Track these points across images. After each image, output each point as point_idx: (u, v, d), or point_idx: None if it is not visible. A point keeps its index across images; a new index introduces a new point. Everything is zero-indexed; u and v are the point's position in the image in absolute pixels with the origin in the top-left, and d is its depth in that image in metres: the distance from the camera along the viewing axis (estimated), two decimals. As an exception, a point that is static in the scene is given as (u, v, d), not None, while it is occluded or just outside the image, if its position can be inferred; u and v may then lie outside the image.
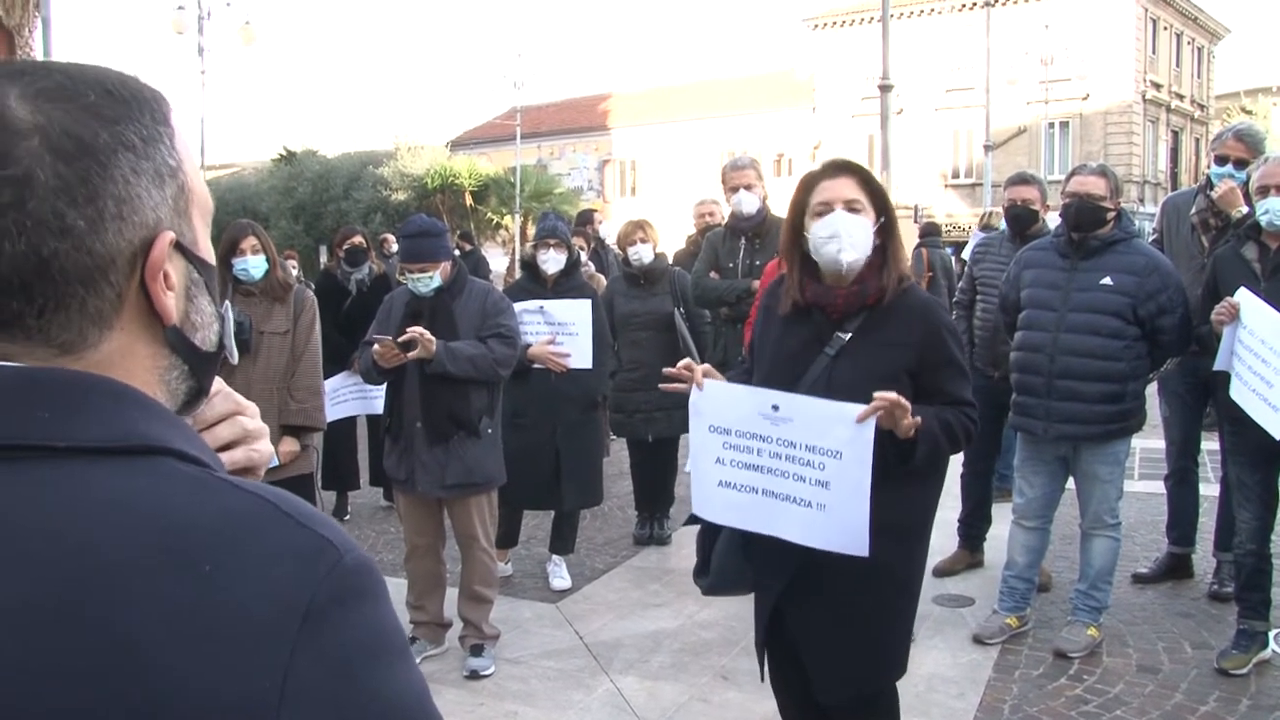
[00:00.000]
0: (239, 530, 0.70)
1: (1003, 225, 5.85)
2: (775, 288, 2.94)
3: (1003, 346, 5.22)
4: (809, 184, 2.81)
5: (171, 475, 0.74)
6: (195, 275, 0.84)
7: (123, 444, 0.73)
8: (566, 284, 5.56)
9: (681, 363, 2.83)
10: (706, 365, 2.89)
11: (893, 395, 2.50)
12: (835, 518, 2.58)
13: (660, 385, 2.91)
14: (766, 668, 3.04)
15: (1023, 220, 5.48)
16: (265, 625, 0.67)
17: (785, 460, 2.64)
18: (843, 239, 2.68)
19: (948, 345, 2.73)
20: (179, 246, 0.82)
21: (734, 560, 2.85)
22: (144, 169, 0.78)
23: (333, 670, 0.69)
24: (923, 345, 2.70)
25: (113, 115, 0.77)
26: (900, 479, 2.65)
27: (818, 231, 2.71)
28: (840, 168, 2.81)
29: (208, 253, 0.87)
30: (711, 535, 2.91)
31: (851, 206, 2.70)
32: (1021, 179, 5.66)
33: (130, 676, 0.64)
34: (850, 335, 2.71)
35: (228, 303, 0.92)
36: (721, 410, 2.74)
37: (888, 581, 2.71)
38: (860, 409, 2.52)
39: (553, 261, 5.48)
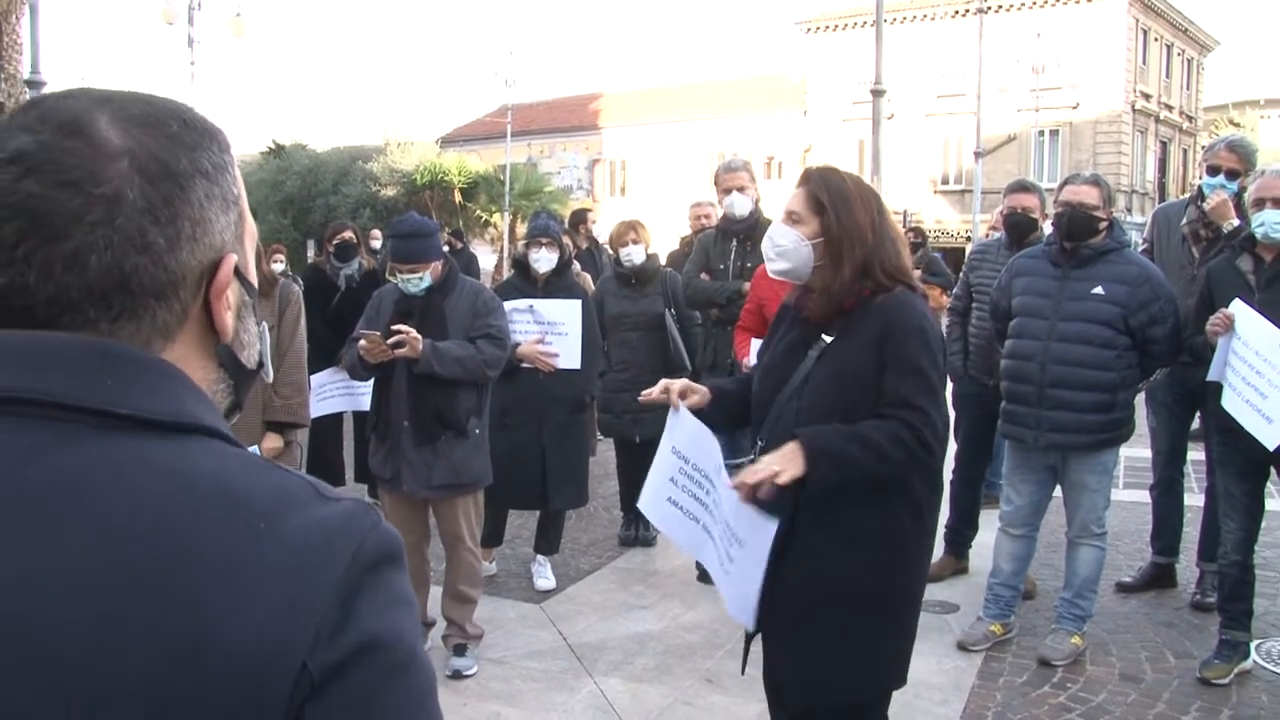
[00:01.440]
0: (290, 499, 0.78)
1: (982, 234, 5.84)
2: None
3: (999, 355, 5.23)
4: None
5: (224, 453, 0.80)
6: (246, 297, 0.92)
7: (178, 420, 0.79)
8: (557, 283, 5.54)
9: (659, 385, 2.83)
10: (684, 382, 2.88)
11: (748, 479, 2.48)
12: (734, 587, 2.68)
13: (640, 397, 2.90)
14: (758, 670, 3.03)
15: (1022, 228, 5.49)
16: (314, 568, 0.75)
17: (716, 520, 2.69)
18: (769, 248, 2.78)
19: (905, 344, 2.63)
20: (235, 269, 0.88)
21: None
22: (215, 194, 0.86)
23: (386, 609, 0.77)
24: (882, 341, 2.64)
25: (191, 143, 0.85)
26: (864, 491, 2.61)
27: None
28: (801, 178, 2.84)
29: (254, 276, 0.94)
30: None
31: (791, 218, 2.76)
32: (1021, 186, 5.66)
33: (183, 607, 0.71)
34: (832, 339, 2.73)
35: (265, 324, 0.98)
36: (686, 441, 2.77)
37: (855, 589, 2.66)
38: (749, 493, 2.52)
39: (544, 260, 5.46)
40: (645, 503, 2.88)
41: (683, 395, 2.84)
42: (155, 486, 0.75)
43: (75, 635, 0.69)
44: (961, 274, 5.92)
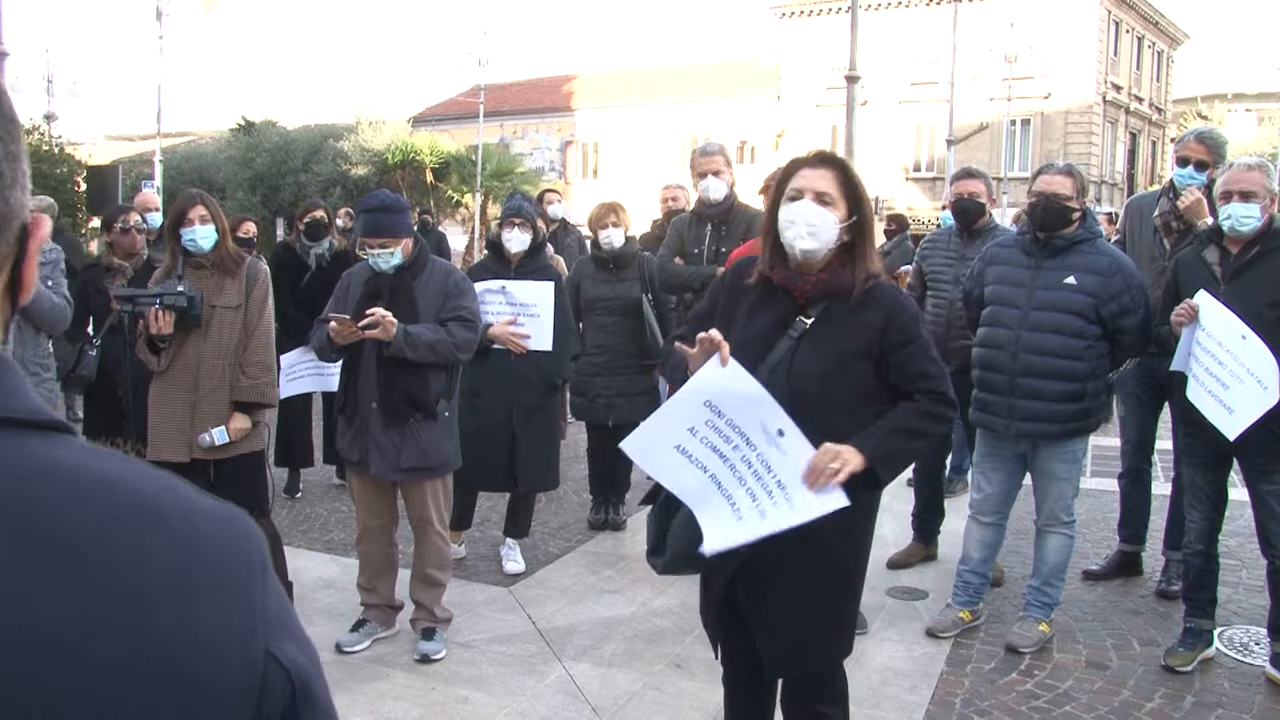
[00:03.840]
0: (178, 497, 0.77)
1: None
2: (745, 265, 2.97)
3: (955, 342, 5.25)
4: (791, 169, 2.87)
5: (89, 450, 0.77)
6: None
7: (38, 417, 0.75)
8: (530, 265, 5.49)
9: (712, 331, 2.69)
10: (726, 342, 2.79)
11: (828, 459, 2.57)
12: (747, 534, 2.65)
13: (677, 346, 2.83)
14: (719, 644, 3.07)
15: (969, 214, 5.54)
16: (239, 572, 0.76)
17: (751, 476, 2.66)
18: (800, 227, 2.76)
19: (911, 325, 2.79)
20: None
21: (690, 540, 2.82)
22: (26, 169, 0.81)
23: (281, 605, 0.79)
24: (885, 326, 2.74)
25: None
26: None
27: (784, 215, 2.80)
28: (823, 159, 2.87)
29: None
30: (666, 515, 2.91)
31: (821, 199, 2.76)
32: (967, 173, 5.71)
33: (140, 626, 0.69)
34: (813, 320, 2.76)
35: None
36: (729, 395, 2.66)
37: (833, 559, 2.78)
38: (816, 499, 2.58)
39: (516, 241, 5.42)
40: (633, 444, 2.77)
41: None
42: (67, 492, 0.72)
43: (22, 649, 0.66)
44: (914, 263, 5.95)
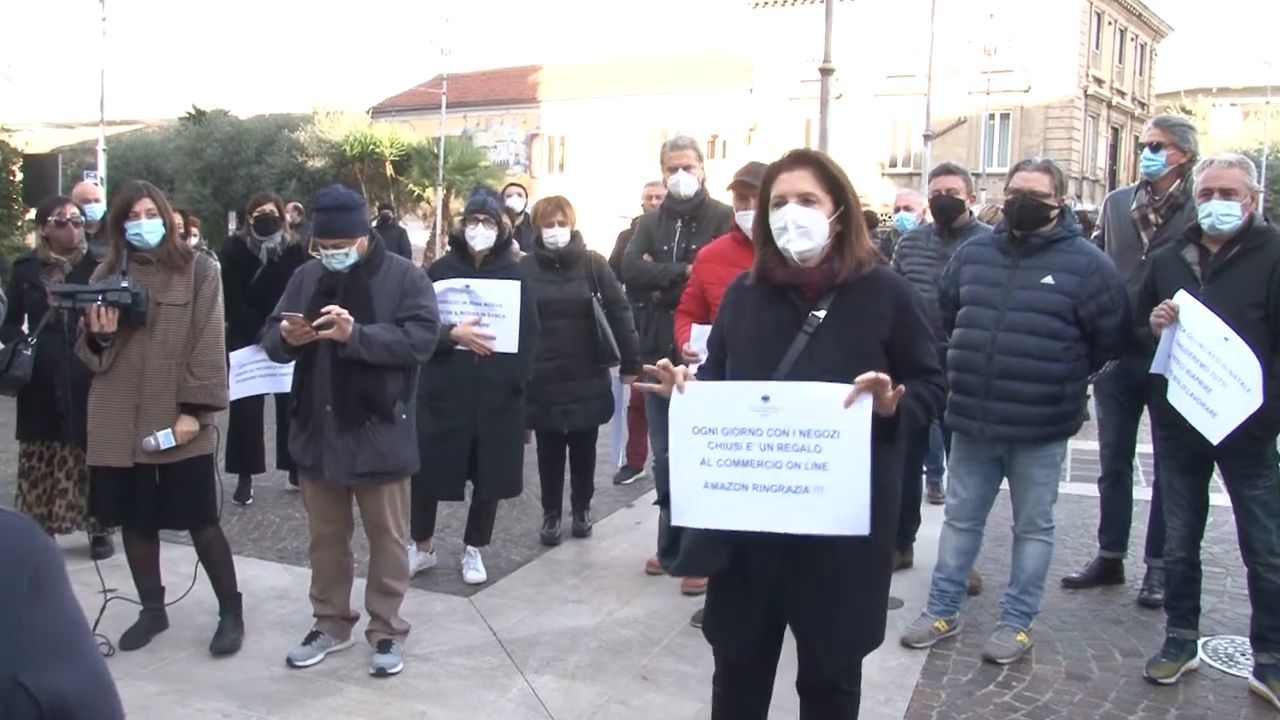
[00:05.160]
0: None
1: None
2: (741, 280, 3.10)
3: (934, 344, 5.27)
4: (770, 175, 2.97)
5: None
6: None
7: None
8: (496, 263, 5.46)
9: (661, 362, 2.87)
10: (681, 367, 2.90)
11: (873, 375, 2.65)
12: (835, 499, 2.68)
13: (636, 384, 2.93)
14: (694, 668, 3.09)
15: (948, 211, 5.57)
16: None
17: (779, 450, 2.72)
18: (791, 231, 2.86)
19: (917, 315, 2.93)
20: None
21: (705, 538, 2.90)
22: None
23: (59, 629, 0.78)
24: (895, 316, 2.89)
25: None
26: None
27: (774, 223, 2.91)
28: (797, 159, 2.98)
29: None
30: None
31: (806, 199, 2.87)
32: (946, 170, 5.73)
33: None
34: (825, 313, 2.88)
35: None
36: (706, 410, 2.78)
37: (870, 548, 2.83)
38: (849, 390, 2.65)
39: (481, 238, 5.39)
40: (680, 514, 2.83)
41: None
42: None
43: None
44: (892, 263, 5.94)
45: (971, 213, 5.64)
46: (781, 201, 2.88)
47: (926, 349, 2.94)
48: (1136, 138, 41.05)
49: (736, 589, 2.98)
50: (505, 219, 5.82)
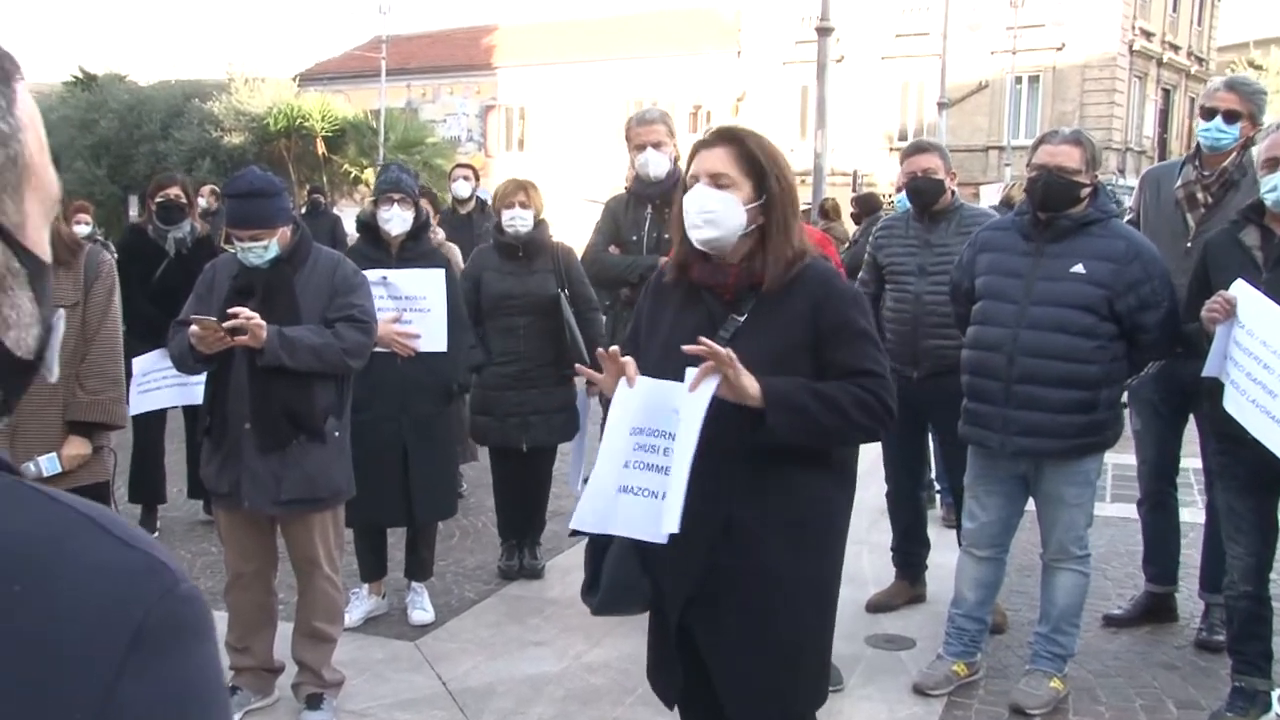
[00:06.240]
0: (52, 546, 0.74)
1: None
2: (660, 276, 3.14)
3: (926, 342, 5.29)
4: (692, 154, 3.03)
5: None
6: (15, 265, 0.86)
7: None
8: (414, 250, 5.47)
9: (611, 349, 2.92)
10: (629, 358, 2.95)
11: (714, 348, 2.69)
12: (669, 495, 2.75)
13: (578, 376, 2.97)
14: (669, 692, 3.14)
15: (926, 194, 5.49)
16: (85, 647, 0.71)
17: (663, 455, 2.80)
18: (694, 216, 2.90)
19: (844, 311, 2.92)
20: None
21: (628, 572, 2.92)
22: None
23: (164, 704, 0.74)
24: (815, 313, 2.88)
25: None
26: (785, 468, 2.85)
27: (684, 206, 2.94)
28: (721, 136, 3.02)
29: (39, 245, 0.89)
30: (601, 546, 3.00)
31: (718, 182, 2.90)
32: (918, 148, 5.73)
33: None
34: (745, 317, 2.90)
35: (61, 312, 0.94)
36: (645, 409, 2.85)
37: (800, 587, 2.88)
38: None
39: (397, 221, 5.37)
40: (581, 518, 2.88)
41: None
42: None
43: None
44: (868, 255, 5.92)
45: (953, 193, 5.60)
46: (693, 182, 2.92)
47: (858, 350, 2.90)
48: (1193, 99, 40.89)
49: (664, 626, 2.99)
50: (424, 201, 5.80)
